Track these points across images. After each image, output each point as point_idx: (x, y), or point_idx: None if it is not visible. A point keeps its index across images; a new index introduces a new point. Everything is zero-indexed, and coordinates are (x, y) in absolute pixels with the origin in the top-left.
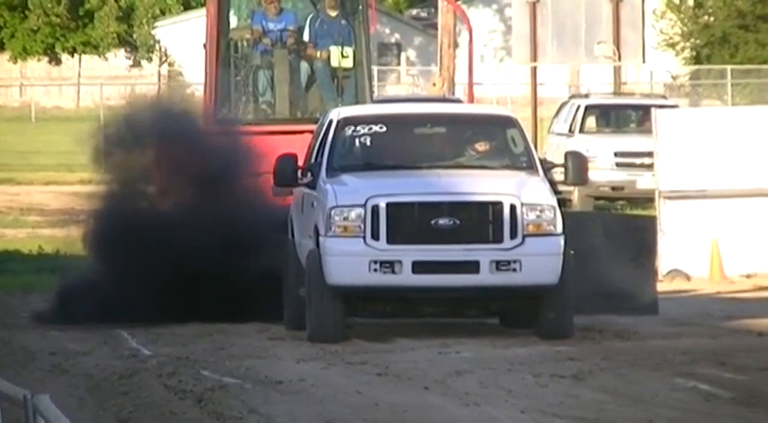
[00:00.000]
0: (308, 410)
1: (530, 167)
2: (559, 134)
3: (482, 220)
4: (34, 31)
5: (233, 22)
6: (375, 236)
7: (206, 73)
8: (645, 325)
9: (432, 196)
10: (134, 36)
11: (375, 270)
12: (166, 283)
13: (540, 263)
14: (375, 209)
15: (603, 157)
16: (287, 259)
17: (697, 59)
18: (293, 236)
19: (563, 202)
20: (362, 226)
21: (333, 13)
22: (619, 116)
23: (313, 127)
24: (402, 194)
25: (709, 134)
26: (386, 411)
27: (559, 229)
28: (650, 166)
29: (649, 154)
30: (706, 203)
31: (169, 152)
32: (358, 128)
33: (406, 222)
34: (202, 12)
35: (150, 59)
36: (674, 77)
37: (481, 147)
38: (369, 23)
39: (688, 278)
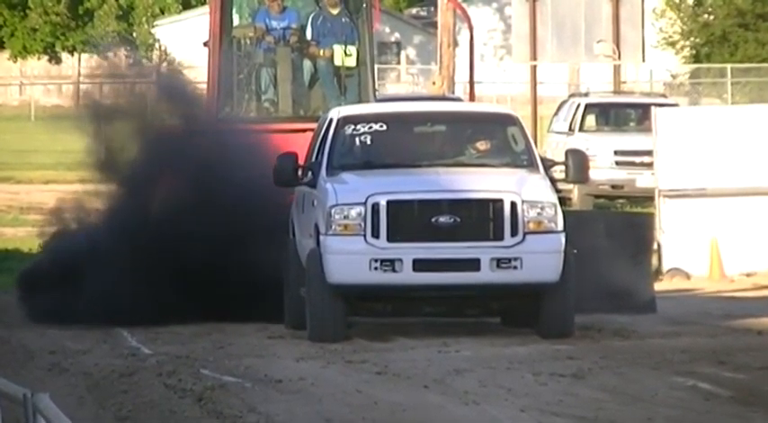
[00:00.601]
0: (308, 409)
1: (530, 165)
2: (559, 133)
3: (483, 218)
4: (34, 29)
5: (235, 19)
6: (375, 234)
7: (209, 71)
8: (644, 324)
9: (432, 194)
10: (134, 35)
11: (376, 268)
12: (166, 281)
13: (540, 260)
14: (375, 207)
15: (603, 155)
16: (287, 258)
17: (697, 58)
18: (294, 235)
19: (562, 201)
20: (363, 224)
21: (334, 11)
22: (618, 115)
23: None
24: (402, 192)
25: (709, 133)
26: (385, 410)
27: (560, 226)
28: (650, 165)
29: (649, 152)
30: (706, 202)
31: (170, 148)
32: (358, 126)
33: (407, 220)
34: (202, 11)
35: (150, 59)
36: (673, 76)
37: (482, 145)
38: (372, 22)
39: (688, 277)
